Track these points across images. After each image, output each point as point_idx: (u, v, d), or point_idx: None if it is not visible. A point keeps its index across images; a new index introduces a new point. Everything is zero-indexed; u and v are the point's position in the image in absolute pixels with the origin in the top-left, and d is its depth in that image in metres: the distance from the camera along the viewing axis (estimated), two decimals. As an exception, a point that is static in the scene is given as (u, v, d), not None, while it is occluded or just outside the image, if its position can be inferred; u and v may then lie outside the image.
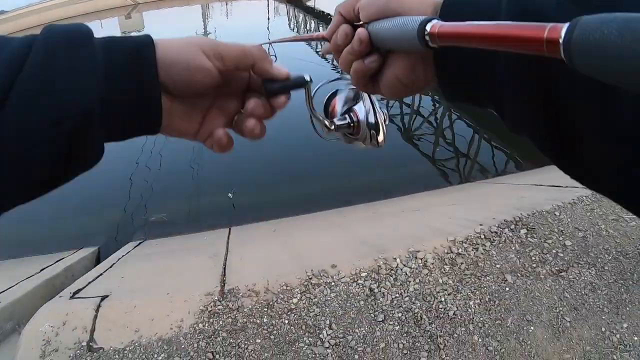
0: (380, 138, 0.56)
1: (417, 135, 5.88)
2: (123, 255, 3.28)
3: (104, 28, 16.77)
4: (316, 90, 0.56)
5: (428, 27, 0.36)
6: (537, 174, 4.41)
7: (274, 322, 2.33)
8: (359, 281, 2.48)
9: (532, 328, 2.35)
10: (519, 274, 2.56)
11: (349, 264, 2.57)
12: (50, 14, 18.20)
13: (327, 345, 2.21)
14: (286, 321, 2.33)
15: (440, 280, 2.46)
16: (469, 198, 3.81)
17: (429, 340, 2.21)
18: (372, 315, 2.32)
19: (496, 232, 2.77)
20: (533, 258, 2.67)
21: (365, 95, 0.57)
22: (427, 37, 0.36)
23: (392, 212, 3.50)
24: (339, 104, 0.60)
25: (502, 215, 2.95)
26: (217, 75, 0.43)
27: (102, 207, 4.53)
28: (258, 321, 2.33)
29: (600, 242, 3.04)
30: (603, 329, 2.48)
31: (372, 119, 0.56)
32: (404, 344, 2.19)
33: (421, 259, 2.56)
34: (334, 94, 0.62)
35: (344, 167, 4.73)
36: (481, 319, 2.31)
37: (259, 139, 0.48)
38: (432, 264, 2.54)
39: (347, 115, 0.58)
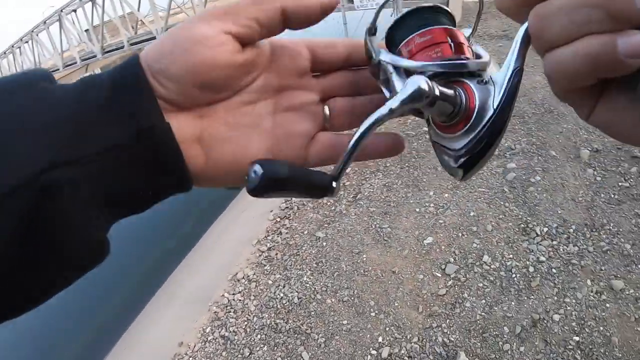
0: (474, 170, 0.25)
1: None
2: None
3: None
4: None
5: None
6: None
7: None
8: (209, 338, 2.37)
9: (364, 256, 2.50)
10: (326, 225, 2.71)
11: (192, 330, 2.45)
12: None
13: (219, 415, 2.10)
14: None
15: (270, 281, 2.48)
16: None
17: (295, 335, 2.21)
18: (239, 356, 2.25)
19: (288, 207, 2.89)
20: (328, 204, 2.84)
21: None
22: None
23: (207, 251, 3.42)
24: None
25: (285, 188, 3.06)
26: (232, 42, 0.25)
27: None
28: None
29: (372, 150, 3.37)
30: (417, 209, 2.75)
31: (495, 121, 0.23)
32: (280, 355, 2.17)
33: (243, 277, 2.54)
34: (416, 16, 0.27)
35: (137, 241, 4.46)
36: (322, 283, 2.39)
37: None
38: (254, 273, 2.54)
39: (455, 87, 0.25)
